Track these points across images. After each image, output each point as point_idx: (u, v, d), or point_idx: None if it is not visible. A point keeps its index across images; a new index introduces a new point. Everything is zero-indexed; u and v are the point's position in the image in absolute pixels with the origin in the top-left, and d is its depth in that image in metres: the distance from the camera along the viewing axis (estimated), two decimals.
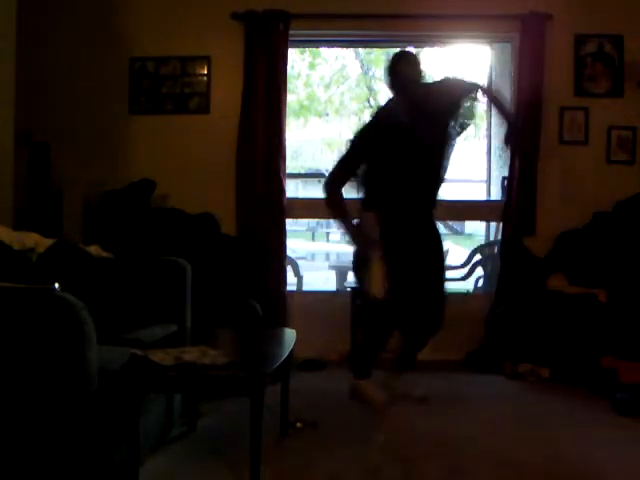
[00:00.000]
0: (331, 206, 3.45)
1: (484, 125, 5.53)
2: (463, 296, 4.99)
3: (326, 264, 9.81)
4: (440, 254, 3.63)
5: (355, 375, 3.51)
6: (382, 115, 3.60)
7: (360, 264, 3.47)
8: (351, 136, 3.62)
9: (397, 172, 3.41)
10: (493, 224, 5.04)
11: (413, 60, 3.48)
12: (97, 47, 4.58)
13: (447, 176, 3.56)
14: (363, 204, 3.48)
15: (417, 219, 3.47)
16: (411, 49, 3.70)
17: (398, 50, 3.69)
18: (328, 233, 14.91)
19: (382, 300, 3.30)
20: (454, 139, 3.58)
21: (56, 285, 2.29)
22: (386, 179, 3.44)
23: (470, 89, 3.63)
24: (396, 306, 3.35)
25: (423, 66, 3.48)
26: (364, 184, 3.51)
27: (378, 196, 3.45)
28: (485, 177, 5.22)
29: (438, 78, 3.67)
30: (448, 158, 3.54)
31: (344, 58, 12.51)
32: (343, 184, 3.47)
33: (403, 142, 3.38)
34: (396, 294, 3.30)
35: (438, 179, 3.51)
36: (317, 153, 16.07)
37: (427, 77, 3.53)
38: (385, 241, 3.33)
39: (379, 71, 12.63)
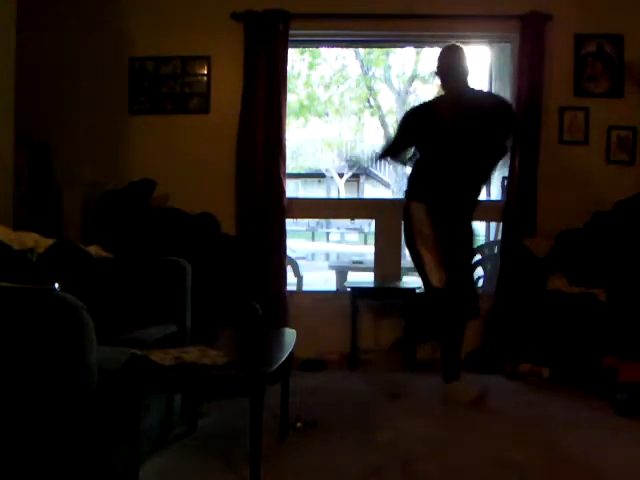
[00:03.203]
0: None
1: None
2: None
3: (326, 264, 9.82)
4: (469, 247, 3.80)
5: (445, 379, 3.60)
6: (422, 105, 3.93)
7: (414, 256, 3.67)
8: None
9: (434, 165, 3.65)
10: (493, 224, 5.04)
11: (461, 55, 3.69)
12: (97, 47, 4.58)
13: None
14: (408, 194, 3.74)
15: (452, 213, 3.61)
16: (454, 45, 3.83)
17: (449, 44, 3.82)
18: (328, 233, 14.91)
19: (443, 289, 3.52)
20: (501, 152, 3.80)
21: (56, 285, 2.29)
22: (427, 171, 3.68)
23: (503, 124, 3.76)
24: (454, 293, 3.55)
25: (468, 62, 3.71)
26: (411, 175, 3.80)
27: (422, 187, 3.69)
28: None
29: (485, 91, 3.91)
30: (490, 165, 3.75)
31: (344, 58, 12.52)
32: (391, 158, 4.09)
33: (436, 136, 3.61)
34: (452, 281, 3.54)
35: (474, 179, 3.69)
36: (317, 153, 16.08)
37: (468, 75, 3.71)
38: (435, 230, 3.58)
39: (379, 71, 12.64)
